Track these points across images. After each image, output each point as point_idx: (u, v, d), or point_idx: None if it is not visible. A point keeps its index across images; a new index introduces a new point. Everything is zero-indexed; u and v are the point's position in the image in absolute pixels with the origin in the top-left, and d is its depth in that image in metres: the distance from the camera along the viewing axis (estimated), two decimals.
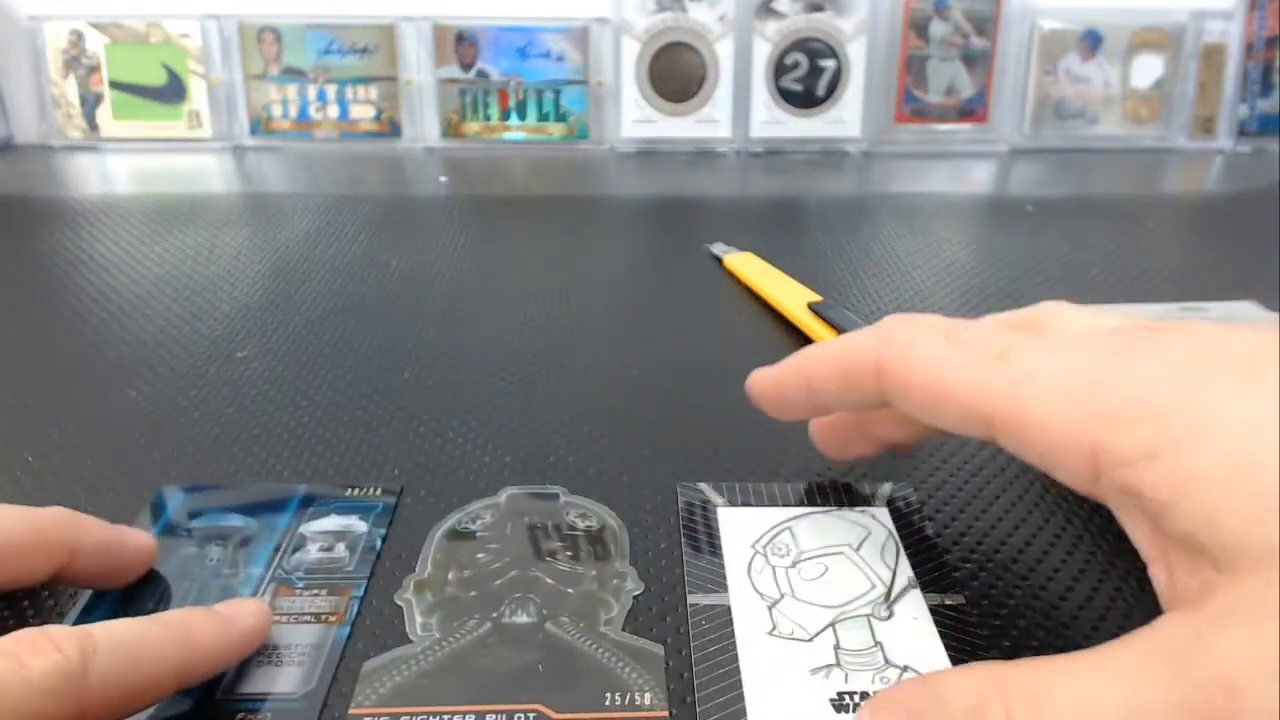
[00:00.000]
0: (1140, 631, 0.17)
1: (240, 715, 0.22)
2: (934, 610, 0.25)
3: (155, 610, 0.25)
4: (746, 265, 0.48)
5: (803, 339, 0.41)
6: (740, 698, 0.22)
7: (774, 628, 0.24)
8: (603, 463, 0.32)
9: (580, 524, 0.29)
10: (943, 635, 0.24)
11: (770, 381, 0.27)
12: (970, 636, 0.24)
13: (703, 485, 0.30)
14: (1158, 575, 0.18)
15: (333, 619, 0.25)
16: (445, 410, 0.35)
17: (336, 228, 0.56)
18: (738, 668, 0.23)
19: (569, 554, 0.28)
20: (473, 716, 0.22)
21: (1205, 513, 0.17)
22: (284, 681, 0.23)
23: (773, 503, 0.29)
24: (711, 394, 0.36)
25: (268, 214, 0.60)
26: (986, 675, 0.18)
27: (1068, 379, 0.20)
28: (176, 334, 0.42)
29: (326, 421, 0.35)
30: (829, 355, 0.25)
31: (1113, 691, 0.16)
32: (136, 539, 0.26)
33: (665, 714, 0.22)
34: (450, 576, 0.27)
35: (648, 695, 0.23)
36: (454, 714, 0.22)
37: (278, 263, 0.51)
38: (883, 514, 0.29)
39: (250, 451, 0.33)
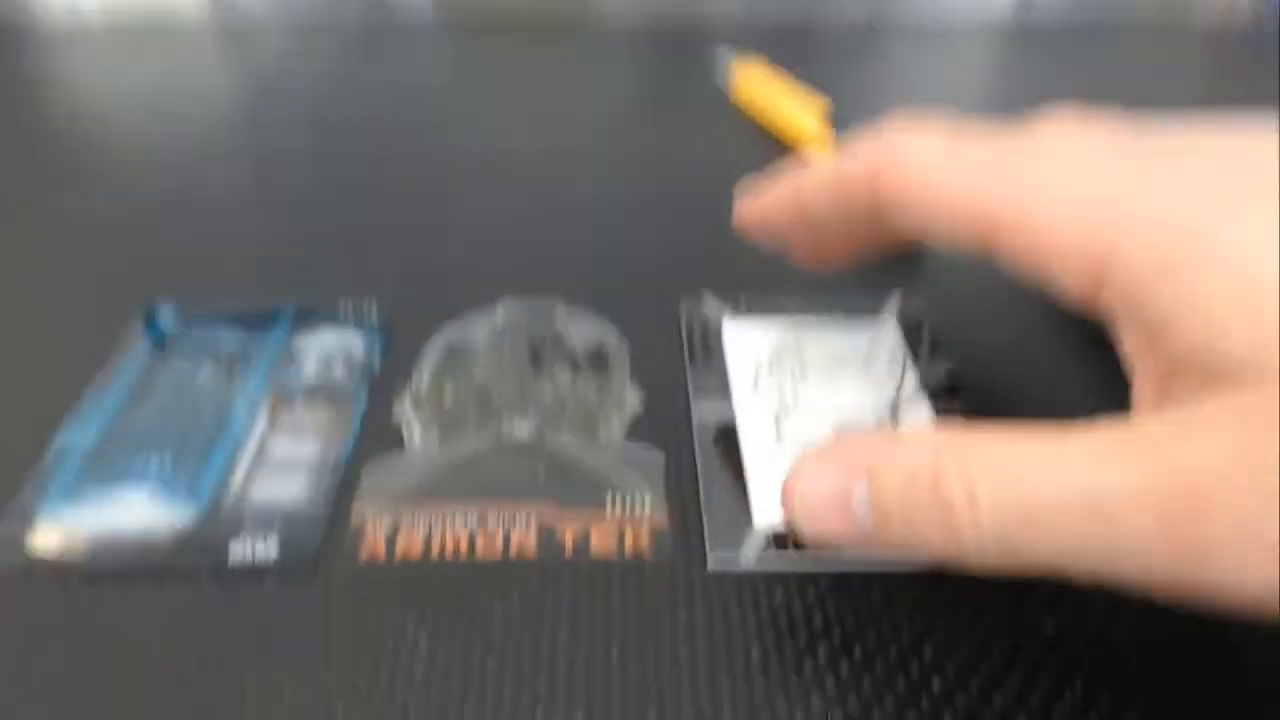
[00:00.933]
0: (1113, 420, 0.16)
1: (248, 525, 0.22)
2: (938, 417, 0.25)
3: (150, 422, 0.25)
4: (753, 76, 0.45)
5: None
6: (745, 504, 0.22)
7: (780, 438, 0.24)
8: (602, 276, 0.31)
9: (579, 338, 0.28)
10: None
11: (757, 202, 0.25)
12: None
13: (706, 297, 0.29)
14: (1143, 388, 0.18)
15: (335, 433, 0.25)
16: (438, 224, 0.34)
17: (315, 48, 0.53)
18: (743, 476, 0.23)
19: (568, 369, 0.27)
20: (474, 520, 0.22)
21: (1211, 331, 0.16)
22: (290, 492, 0.23)
23: (779, 314, 0.29)
24: (716, 206, 0.35)
25: (241, 34, 0.56)
26: (944, 434, 0.17)
27: (1083, 184, 0.18)
28: (152, 147, 0.40)
29: (314, 235, 0.33)
30: (821, 168, 0.23)
31: (1077, 468, 0.15)
32: None
33: (666, 520, 0.22)
34: (448, 391, 0.26)
35: (649, 502, 0.23)
36: (455, 518, 0.22)
37: (254, 77, 0.48)
38: (891, 324, 0.28)
39: (237, 266, 0.32)
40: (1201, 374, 0.16)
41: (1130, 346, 0.18)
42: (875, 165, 0.22)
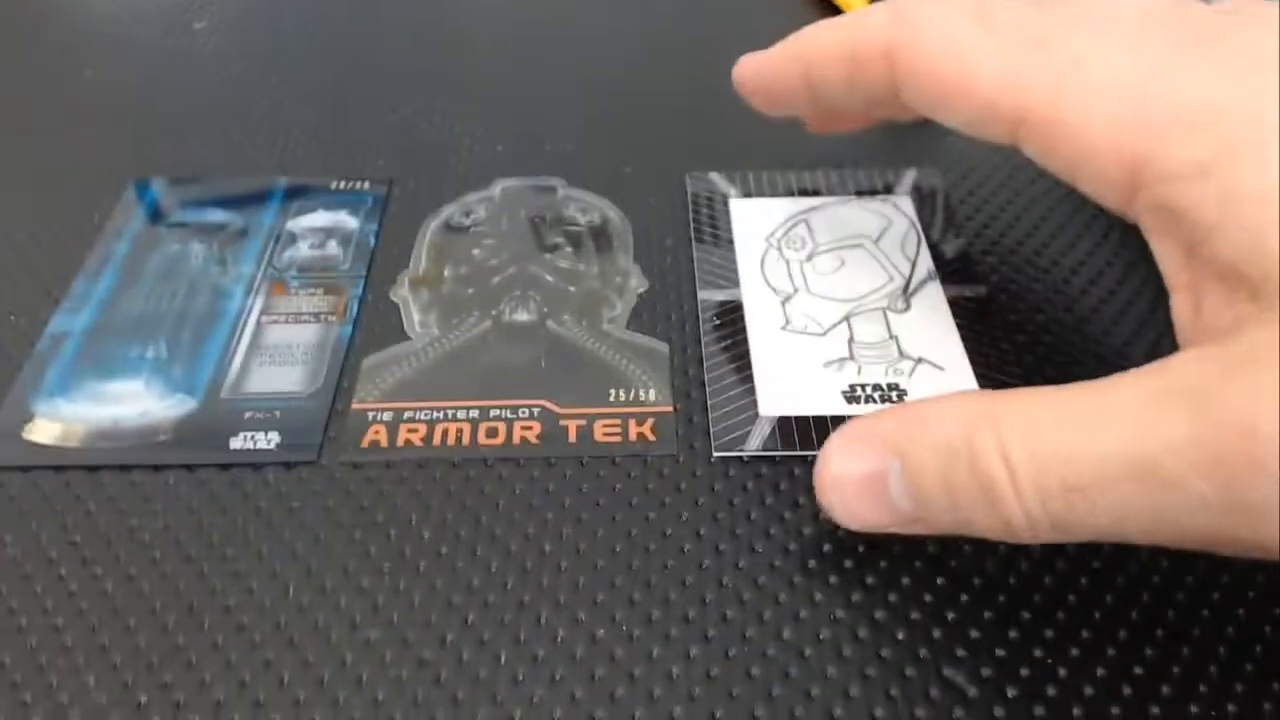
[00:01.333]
0: (1150, 367, 0.15)
1: (248, 414, 0.22)
2: (953, 302, 0.24)
3: (143, 309, 0.24)
4: None
5: (833, 11, 0.37)
6: (751, 391, 0.22)
7: (787, 323, 0.23)
8: (604, 151, 0.29)
9: (581, 218, 0.27)
10: (960, 327, 0.23)
11: (760, 68, 0.23)
12: (989, 328, 0.23)
13: (713, 175, 0.28)
14: (1181, 306, 0.16)
15: (333, 318, 0.24)
16: (430, 92, 0.32)
17: None
18: (749, 362, 0.22)
19: (570, 249, 0.26)
20: (476, 410, 0.22)
21: (1255, 237, 0.14)
22: (289, 380, 0.22)
23: (789, 193, 0.27)
24: (724, 73, 0.33)
25: None
26: (974, 404, 0.16)
27: (1119, 75, 0.16)
28: (127, 2, 0.38)
29: (300, 102, 0.32)
30: (831, 37, 0.21)
31: (1120, 432, 0.14)
32: None
33: (670, 408, 0.22)
34: (446, 273, 0.25)
35: (652, 390, 0.22)
36: (458, 408, 0.22)
37: None
38: (905, 203, 0.27)
39: (222, 134, 0.30)
40: (1246, 290, 0.15)
41: (1167, 260, 0.17)
42: (892, 40, 0.19)
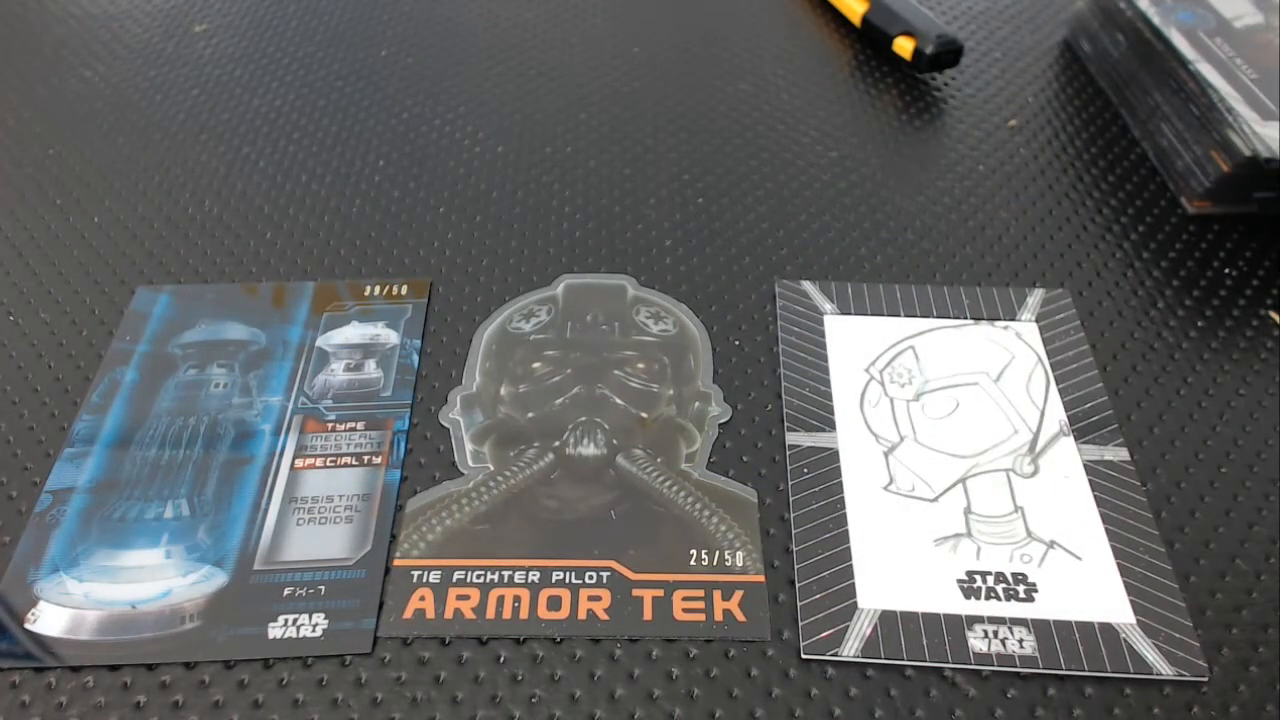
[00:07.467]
0: None
1: (288, 590, 0.19)
2: (1090, 467, 0.20)
3: (158, 455, 0.21)
4: None
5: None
6: (848, 572, 0.19)
7: (891, 481, 0.20)
8: (681, 248, 0.26)
9: (654, 326, 0.24)
10: (1099, 501, 0.20)
11: None
12: (1131, 504, 0.20)
13: (806, 285, 0.25)
14: None
15: (377, 460, 0.21)
16: (483, 182, 0.29)
17: None
18: (846, 534, 0.19)
19: (641, 365, 0.23)
20: (536, 573, 0.19)
21: None
22: (333, 544, 0.20)
23: (893, 311, 0.24)
24: (822, 167, 0.29)
25: None
26: None
27: None
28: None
29: (328, 205, 0.29)
30: None
31: None
32: None
33: (761, 578, 0.19)
34: (503, 392, 0.23)
35: (740, 554, 0.20)
36: (515, 569, 0.19)
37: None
38: (1030, 331, 0.23)
39: (240, 245, 0.27)
40: None
41: None
42: None
